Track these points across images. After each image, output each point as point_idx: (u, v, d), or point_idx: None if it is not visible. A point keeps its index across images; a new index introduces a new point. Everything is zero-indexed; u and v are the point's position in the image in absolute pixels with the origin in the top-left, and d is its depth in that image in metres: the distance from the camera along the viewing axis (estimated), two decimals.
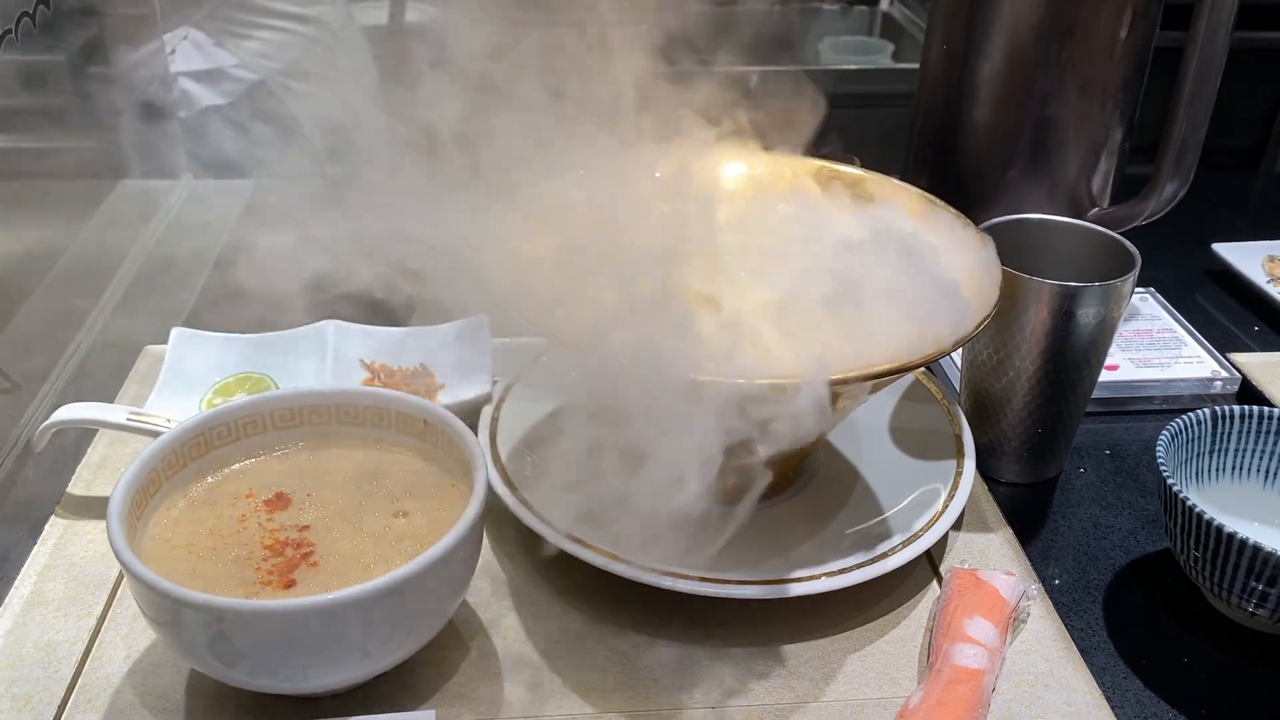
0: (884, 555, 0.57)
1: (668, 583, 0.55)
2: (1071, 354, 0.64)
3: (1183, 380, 0.77)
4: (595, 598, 0.58)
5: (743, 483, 0.61)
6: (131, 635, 0.55)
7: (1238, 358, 0.79)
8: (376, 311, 0.76)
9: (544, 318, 0.52)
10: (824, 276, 0.58)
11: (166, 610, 0.47)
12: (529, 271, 0.55)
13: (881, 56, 2.22)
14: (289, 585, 0.50)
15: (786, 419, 0.50)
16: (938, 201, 0.64)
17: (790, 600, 0.56)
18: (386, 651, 0.50)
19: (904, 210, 0.63)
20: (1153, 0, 0.79)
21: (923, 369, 0.71)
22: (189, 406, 0.69)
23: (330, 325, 0.73)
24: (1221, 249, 0.92)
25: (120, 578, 0.59)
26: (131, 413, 0.63)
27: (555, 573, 0.59)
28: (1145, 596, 0.61)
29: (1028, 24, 0.78)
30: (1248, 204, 1.10)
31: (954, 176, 0.85)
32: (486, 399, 0.68)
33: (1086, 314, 0.62)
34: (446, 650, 0.55)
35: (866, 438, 0.67)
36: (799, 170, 0.65)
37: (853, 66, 2.12)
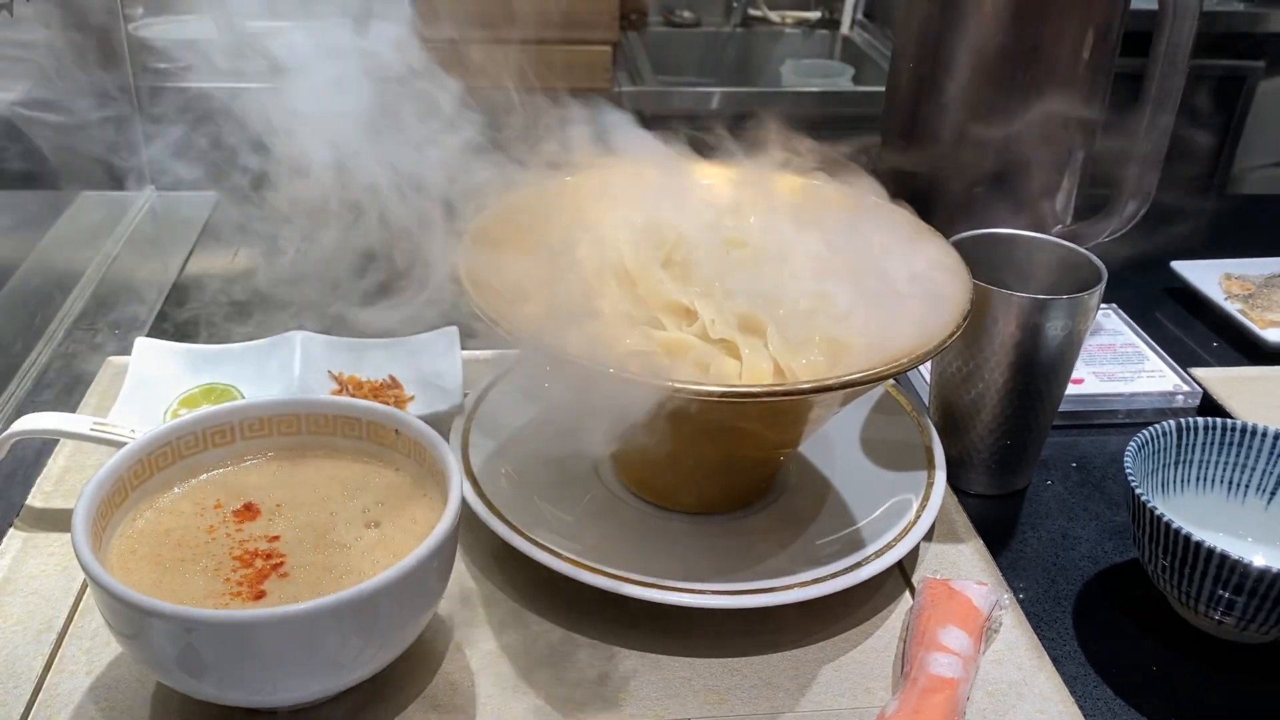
0: (857, 565, 0.57)
1: (639, 592, 0.54)
2: (1040, 366, 0.65)
3: (1146, 394, 0.78)
4: (568, 608, 0.58)
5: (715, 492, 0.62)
6: (94, 649, 0.54)
7: (1198, 372, 0.80)
8: (345, 322, 0.76)
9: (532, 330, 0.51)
10: (800, 289, 0.58)
11: (134, 622, 0.46)
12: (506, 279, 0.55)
13: (843, 79, 2.25)
14: (259, 596, 0.49)
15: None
16: (911, 215, 0.64)
17: (764, 610, 0.56)
18: (358, 664, 0.49)
19: (878, 224, 0.63)
20: (1113, 23, 0.80)
21: (892, 381, 0.71)
22: (153, 418, 0.67)
23: (298, 336, 0.73)
24: (1180, 267, 0.94)
25: (82, 591, 0.57)
26: (95, 423, 0.62)
27: (527, 584, 0.59)
28: (1114, 606, 0.62)
29: (994, 44, 0.80)
30: (1205, 224, 1.12)
31: (921, 193, 0.86)
32: (458, 410, 0.67)
33: (1055, 327, 0.63)
34: (417, 663, 0.54)
35: (838, 450, 0.67)
36: (773, 184, 0.65)
37: (814, 89, 2.14)
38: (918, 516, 0.60)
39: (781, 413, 0.53)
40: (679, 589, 0.55)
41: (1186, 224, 0.99)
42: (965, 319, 0.55)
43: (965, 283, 0.58)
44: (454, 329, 0.75)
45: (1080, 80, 0.81)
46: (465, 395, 0.69)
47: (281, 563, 0.51)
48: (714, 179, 0.66)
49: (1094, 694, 0.56)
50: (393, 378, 0.73)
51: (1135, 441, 0.61)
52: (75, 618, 0.56)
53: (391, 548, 0.52)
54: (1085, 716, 0.53)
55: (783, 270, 0.60)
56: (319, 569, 0.51)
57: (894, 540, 0.59)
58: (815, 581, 0.56)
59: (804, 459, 0.66)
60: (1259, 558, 0.55)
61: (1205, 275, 0.92)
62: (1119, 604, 0.62)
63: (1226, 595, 0.55)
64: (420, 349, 0.74)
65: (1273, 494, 0.63)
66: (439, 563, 0.50)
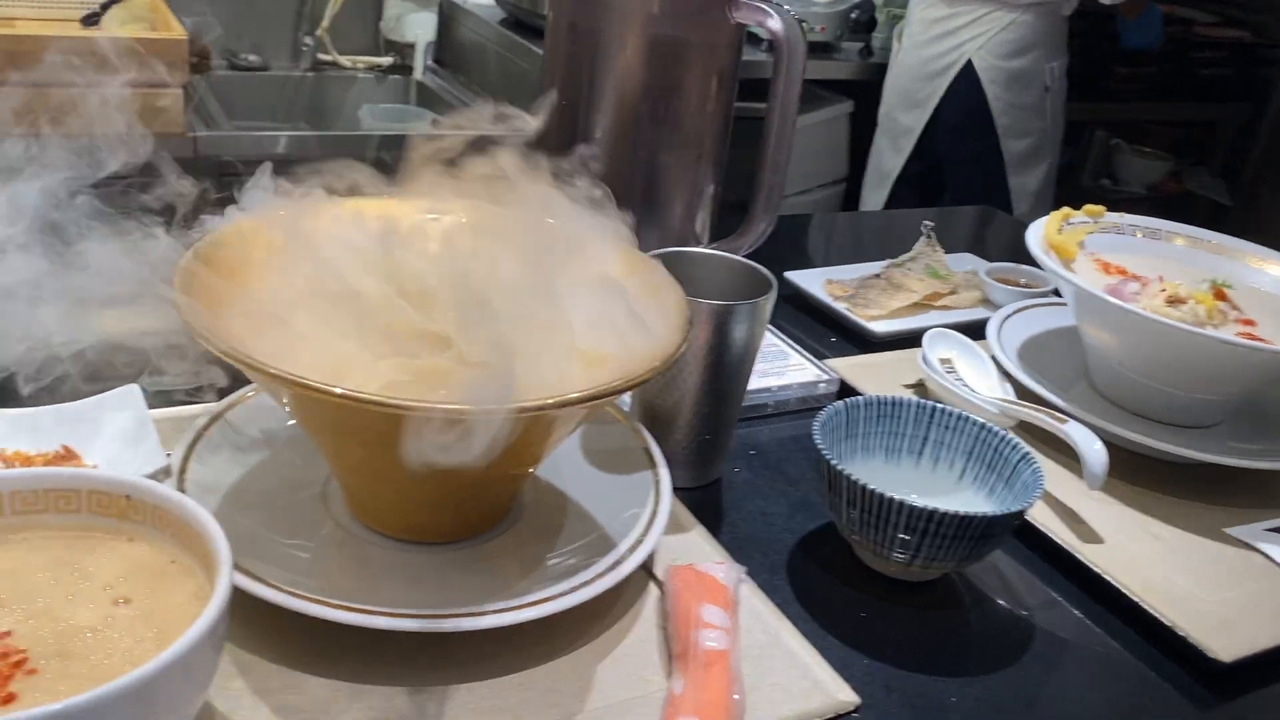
0: (616, 565, 0.60)
1: (402, 624, 0.54)
2: (729, 366, 0.72)
3: (794, 385, 0.89)
4: (337, 660, 0.55)
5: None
6: None
7: (830, 362, 0.93)
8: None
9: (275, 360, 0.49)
10: (536, 310, 0.61)
11: None
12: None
13: (422, 124, 2.29)
14: (8, 700, 0.43)
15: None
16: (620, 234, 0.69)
17: (534, 624, 0.57)
18: None
19: (586, 244, 0.67)
20: (734, 66, 0.91)
21: None
22: None
23: None
24: (792, 276, 1.07)
25: None
26: None
27: (291, 642, 0.56)
28: (817, 567, 0.70)
29: (638, 82, 0.87)
30: (801, 242, 1.29)
31: None
32: (163, 472, 0.62)
33: (740, 329, 0.71)
34: None
35: (565, 465, 0.70)
36: (484, 213, 0.67)
37: (396, 133, 2.16)
38: (654, 513, 0.65)
39: (555, 423, 0.56)
40: (443, 615, 0.55)
41: (786, 243, 1.13)
42: (690, 323, 0.60)
43: (679, 297, 0.63)
44: (134, 387, 0.68)
45: (710, 115, 0.91)
46: (169, 455, 0.63)
47: (24, 660, 0.45)
48: (429, 211, 0.66)
49: (823, 643, 0.63)
50: (67, 448, 0.65)
51: (818, 421, 0.71)
52: None
53: (154, 622, 0.48)
54: (826, 662, 0.61)
55: (513, 294, 0.62)
56: (75, 658, 0.45)
57: (641, 537, 0.63)
58: (582, 586, 0.58)
59: (537, 478, 0.68)
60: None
61: (812, 282, 1.07)
62: (820, 564, 0.71)
63: (911, 539, 0.65)
64: (96, 413, 0.67)
65: (920, 454, 0.75)
66: (221, 629, 0.47)
